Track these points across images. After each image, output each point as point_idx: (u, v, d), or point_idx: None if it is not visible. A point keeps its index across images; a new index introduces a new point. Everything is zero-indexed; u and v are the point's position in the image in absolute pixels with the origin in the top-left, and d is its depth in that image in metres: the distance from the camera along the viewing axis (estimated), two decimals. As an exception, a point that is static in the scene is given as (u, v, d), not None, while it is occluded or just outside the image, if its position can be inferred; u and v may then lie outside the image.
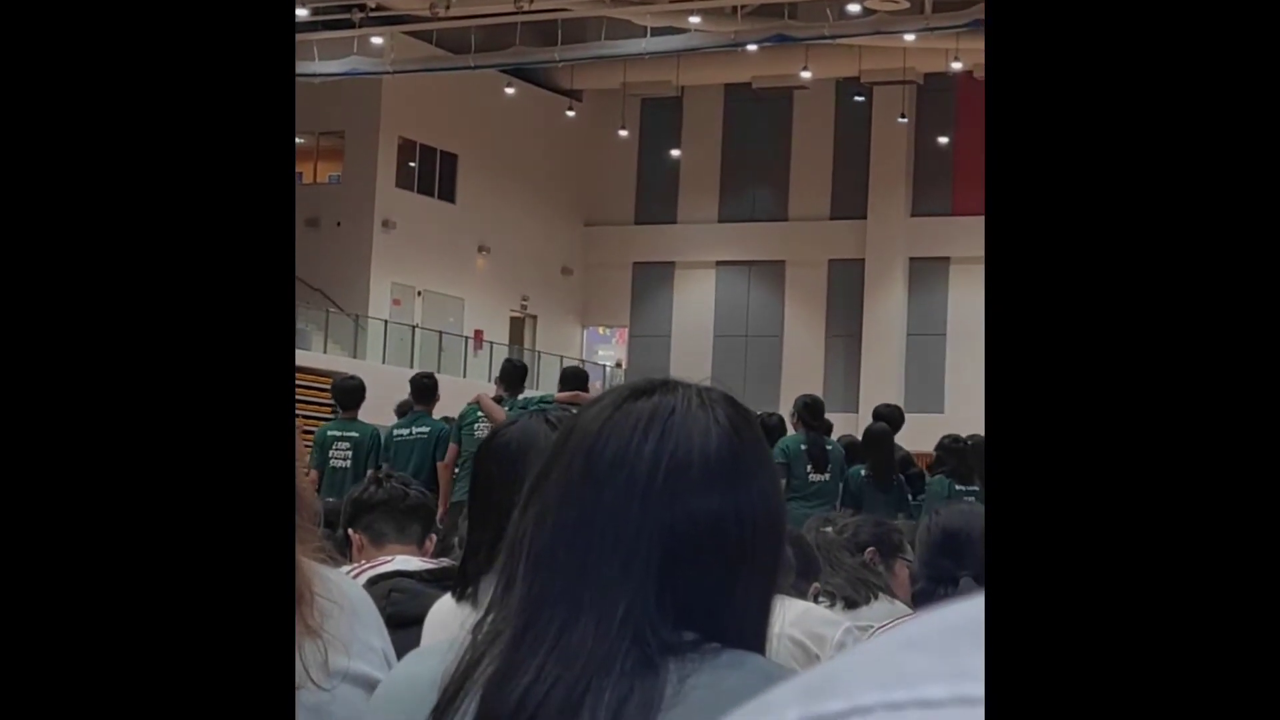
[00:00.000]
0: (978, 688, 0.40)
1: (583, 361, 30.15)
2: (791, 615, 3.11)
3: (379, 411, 11.74)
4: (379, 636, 1.99)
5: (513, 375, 10.03)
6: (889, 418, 10.39)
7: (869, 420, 10.81)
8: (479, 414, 9.51)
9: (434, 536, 4.01)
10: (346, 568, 3.45)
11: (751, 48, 23.83)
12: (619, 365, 31.54)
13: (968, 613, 0.45)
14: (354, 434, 9.71)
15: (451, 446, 9.47)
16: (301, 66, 21.31)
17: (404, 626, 2.40)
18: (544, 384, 20.53)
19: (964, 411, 23.51)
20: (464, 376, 25.11)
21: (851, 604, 3.96)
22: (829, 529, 4.30)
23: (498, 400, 9.63)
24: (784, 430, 10.37)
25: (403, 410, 10.44)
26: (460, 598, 2.20)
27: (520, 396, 9.85)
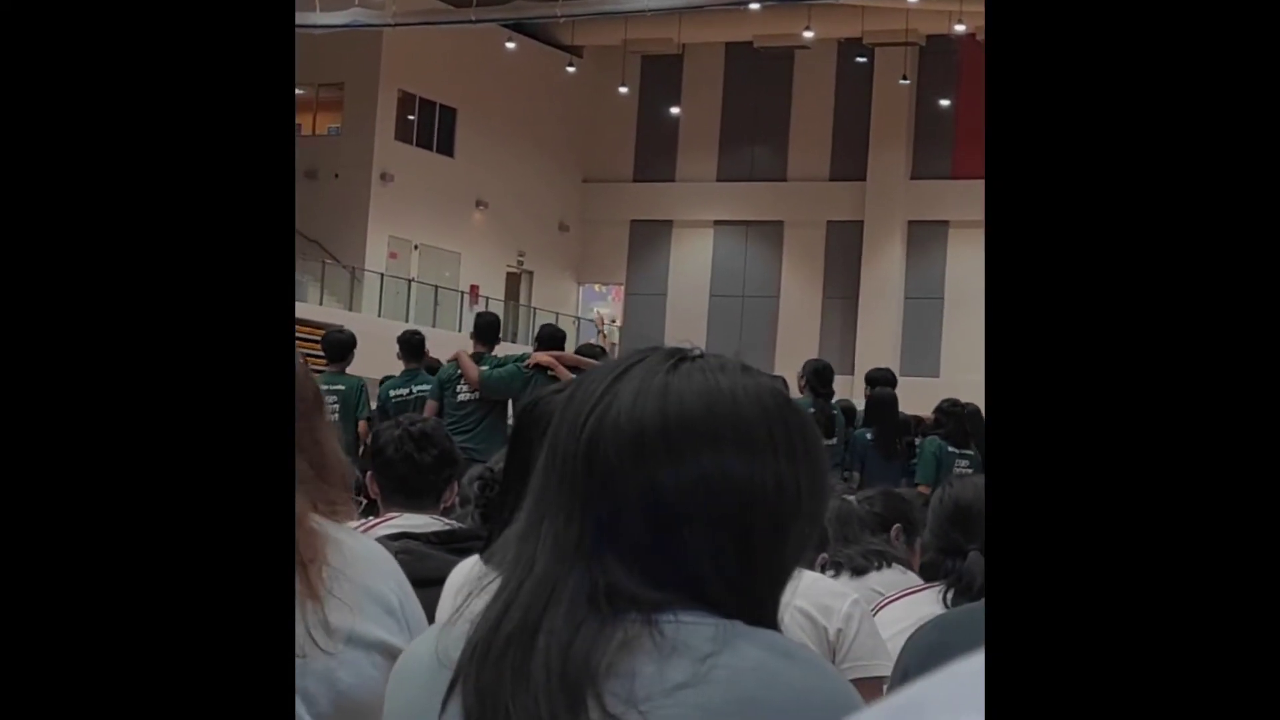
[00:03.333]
0: None
1: (578, 318, 30.17)
2: (798, 586, 3.03)
3: (374, 364, 11.72)
4: (396, 592, 1.96)
5: (487, 329, 9.89)
6: (887, 380, 10.35)
7: (863, 382, 10.77)
8: (459, 373, 9.47)
9: (455, 485, 3.90)
10: (353, 524, 3.42)
11: (754, 6, 23.72)
12: (614, 322, 31.53)
13: None
14: (340, 387, 9.67)
15: (430, 403, 9.36)
16: (302, 17, 21.20)
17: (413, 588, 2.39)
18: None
19: (960, 375, 23.54)
20: (459, 331, 25.05)
21: (860, 571, 3.92)
22: (850, 498, 4.22)
23: (476, 357, 9.54)
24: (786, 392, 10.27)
25: (431, 369, 10.32)
26: (490, 561, 2.22)
27: (498, 353, 9.77)
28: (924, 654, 2.60)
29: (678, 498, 1.40)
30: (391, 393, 10.11)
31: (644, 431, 1.41)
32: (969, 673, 0.43)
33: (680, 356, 1.47)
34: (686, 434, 1.41)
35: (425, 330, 11.57)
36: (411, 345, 10.26)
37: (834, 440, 9.63)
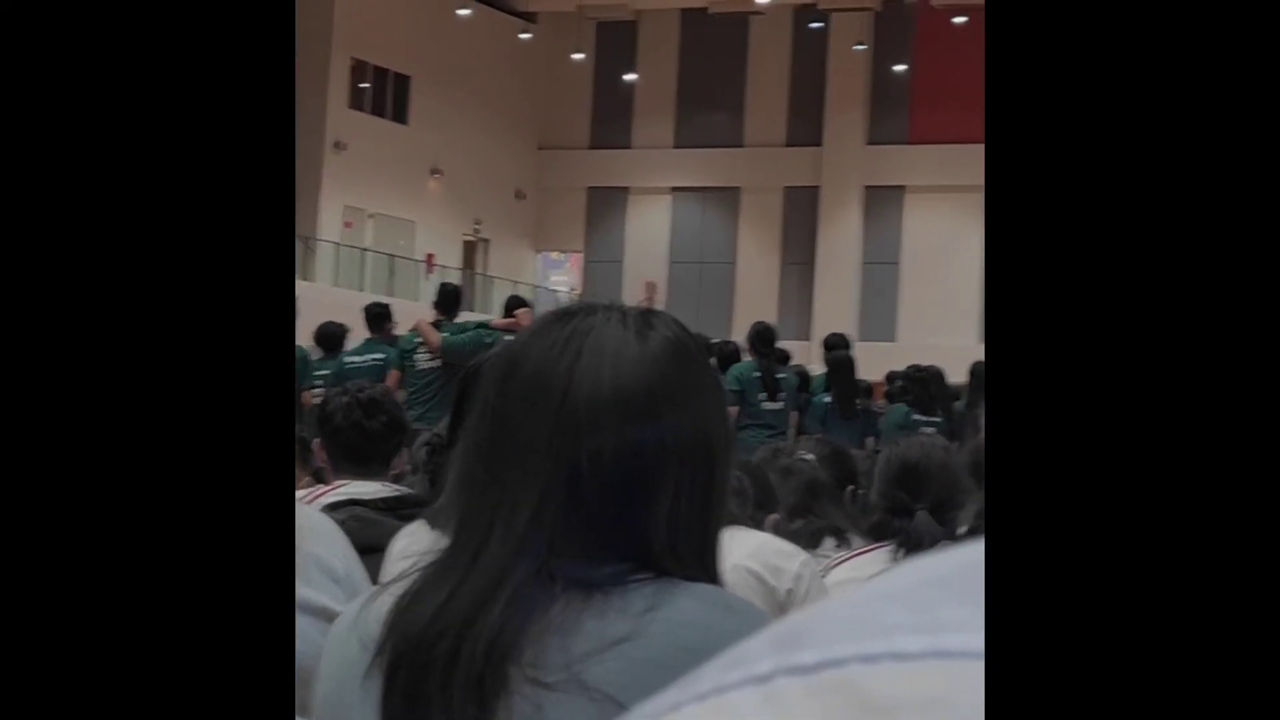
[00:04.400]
0: (954, 641, 0.40)
1: (535, 287, 30.12)
2: (749, 547, 3.09)
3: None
4: (342, 560, 1.96)
5: (448, 299, 10.00)
6: (844, 345, 10.40)
7: (821, 348, 10.82)
8: (418, 341, 9.51)
9: (405, 453, 3.90)
10: (301, 493, 3.38)
11: (709, -29, 23.64)
12: (572, 291, 31.49)
13: (943, 565, 0.44)
14: None
15: (393, 373, 9.36)
16: (252, -17, 20.95)
17: (360, 555, 2.38)
18: (497, 309, 20.43)
19: (917, 340, 23.64)
20: (417, 300, 24.96)
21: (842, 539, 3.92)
22: (809, 456, 4.23)
23: (435, 325, 9.59)
24: (739, 357, 10.41)
25: (508, 309, 10.34)
26: (435, 524, 2.20)
27: (458, 321, 9.85)
28: None
29: (634, 462, 1.40)
30: (345, 360, 10.10)
31: (622, 402, 1.41)
32: (850, 601, 0.44)
33: (558, 314, 1.48)
34: (651, 400, 1.41)
35: (382, 300, 11.52)
36: (373, 316, 10.29)
37: (779, 403, 9.73)
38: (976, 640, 0.40)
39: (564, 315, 1.48)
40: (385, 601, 1.44)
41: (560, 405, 1.40)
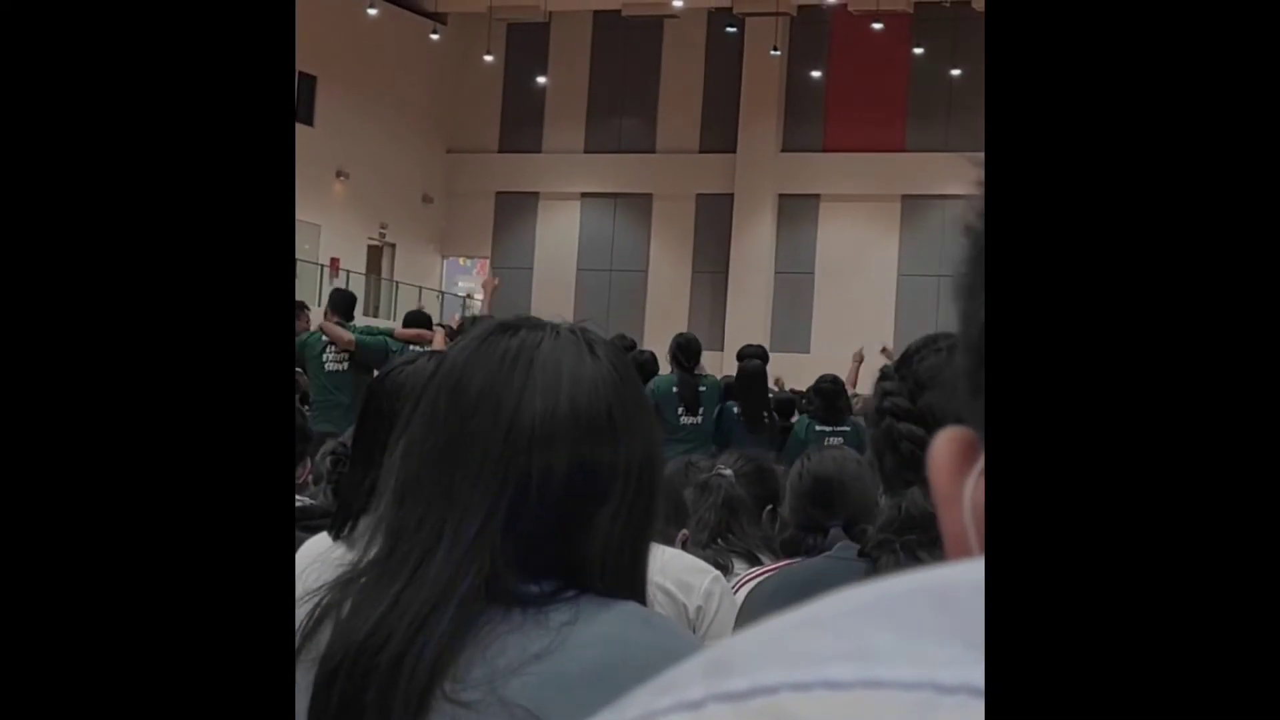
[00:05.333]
0: (884, 670, 0.41)
1: (441, 293, 29.63)
2: (658, 563, 2.99)
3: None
4: None
5: (343, 303, 9.94)
6: (758, 355, 10.18)
7: (734, 359, 10.61)
8: (324, 340, 9.42)
9: (310, 462, 3.86)
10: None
11: (622, -28, 23.27)
12: (475, 297, 31.00)
13: (866, 594, 0.45)
14: None
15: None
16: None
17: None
18: (401, 315, 20.03)
19: (830, 351, 23.27)
20: (319, 305, 24.43)
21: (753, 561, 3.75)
22: (728, 471, 4.05)
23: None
24: (656, 368, 10.15)
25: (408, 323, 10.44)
26: (338, 536, 2.21)
27: (363, 325, 10.03)
28: (763, 604, 2.52)
29: (585, 480, 1.43)
30: None
31: (578, 419, 1.44)
32: (778, 627, 0.44)
33: (500, 327, 1.51)
34: (609, 419, 1.45)
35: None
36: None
37: (698, 418, 9.51)
38: (906, 670, 0.41)
39: (507, 328, 1.50)
40: (302, 611, 1.45)
41: (513, 420, 1.43)
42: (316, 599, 1.47)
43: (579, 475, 1.42)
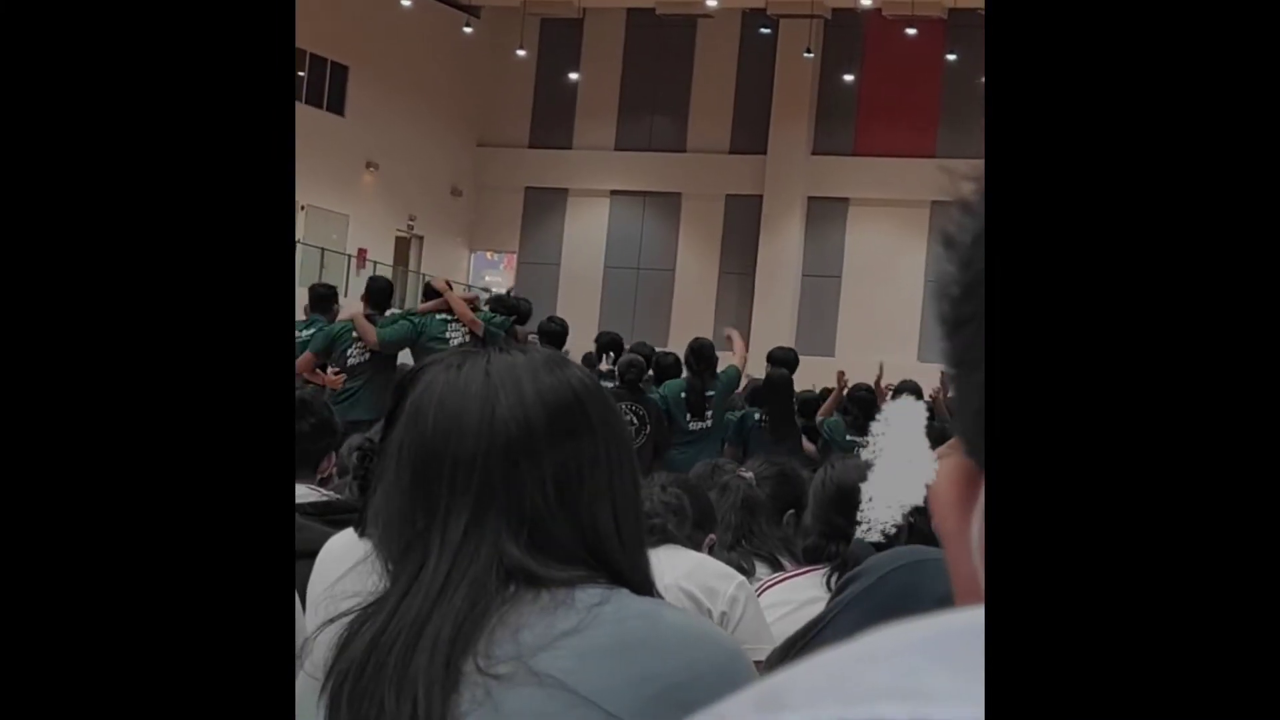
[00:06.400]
0: (937, 710, 0.40)
1: (468, 287, 29.59)
2: (685, 568, 3.09)
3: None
4: None
5: (380, 293, 9.94)
6: (787, 362, 10.13)
7: (761, 360, 10.57)
8: (354, 335, 9.43)
9: (334, 456, 3.84)
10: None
11: (657, -30, 23.23)
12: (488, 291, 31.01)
13: (924, 630, 0.44)
14: None
15: (306, 355, 9.15)
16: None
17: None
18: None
19: (855, 355, 23.19)
20: (345, 295, 24.45)
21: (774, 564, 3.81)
22: (748, 474, 4.09)
23: (367, 319, 9.53)
24: (679, 370, 10.18)
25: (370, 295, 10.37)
26: (364, 532, 2.24)
27: (388, 313, 9.89)
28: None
29: (568, 466, 1.48)
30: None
31: (548, 408, 1.49)
32: (833, 661, 0.43)
33: (478, 349, 1.59)
34: (580, 406, 1.51)
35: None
36: (316, 296, 10.24)
37: (706, 422, 9.59)
38: (960, 711, 0.40)
39: (472, 351, 1.58)
40: (331, 632, 1.49)
41: (490, 420, 1.48)
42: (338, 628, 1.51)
43: (564, 458, 1.48)
